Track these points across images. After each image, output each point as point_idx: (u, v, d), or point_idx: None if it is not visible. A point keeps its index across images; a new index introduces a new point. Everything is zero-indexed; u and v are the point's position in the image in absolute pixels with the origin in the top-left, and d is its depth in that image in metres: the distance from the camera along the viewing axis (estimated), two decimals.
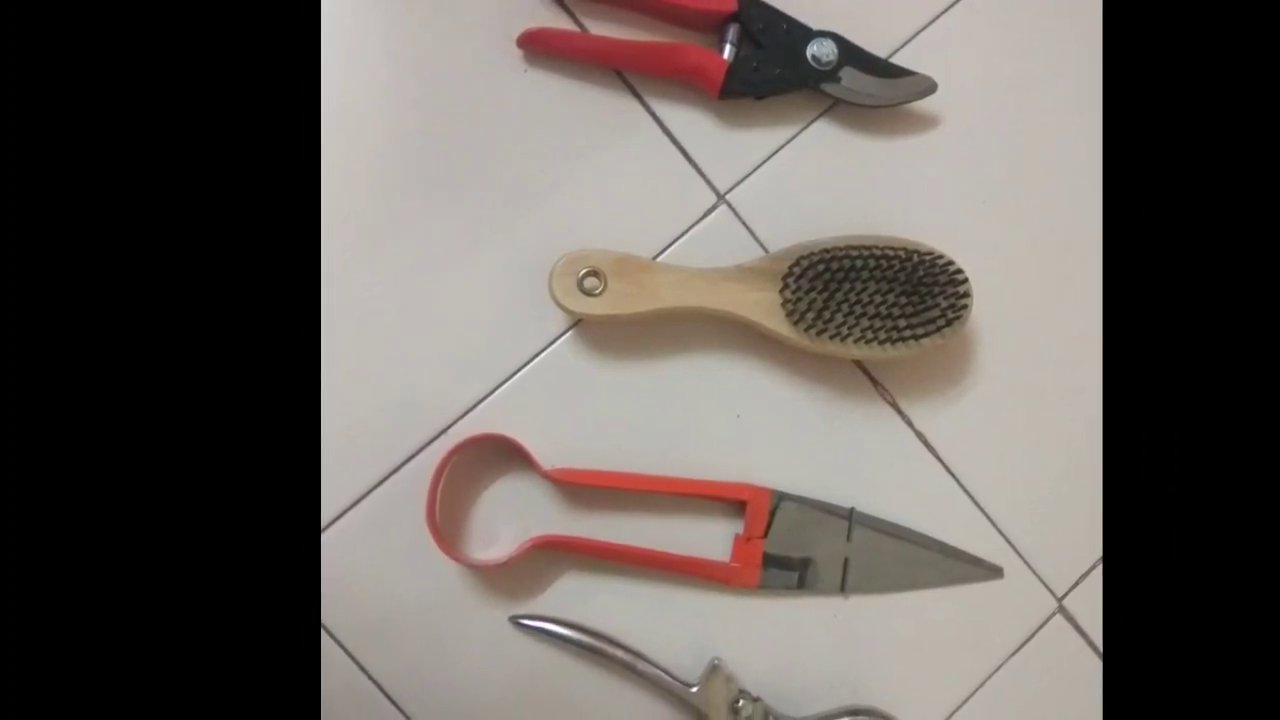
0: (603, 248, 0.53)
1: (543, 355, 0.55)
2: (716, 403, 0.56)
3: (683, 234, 0.56)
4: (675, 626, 0.54)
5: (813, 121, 0.58)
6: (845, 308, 0.52)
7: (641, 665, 0.52)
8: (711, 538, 0.55)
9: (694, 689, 0.52)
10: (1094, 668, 0.56)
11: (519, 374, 0.55)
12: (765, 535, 0.54)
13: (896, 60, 0.58)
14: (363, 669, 0.53)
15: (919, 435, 0.57)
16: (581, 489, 0.54)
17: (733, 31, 0.56)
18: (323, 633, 0.52)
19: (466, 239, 0.55)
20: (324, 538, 0.53)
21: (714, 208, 0.57)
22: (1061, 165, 0.59)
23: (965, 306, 0.53)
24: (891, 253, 0.52)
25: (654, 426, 0.55)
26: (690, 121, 0.57)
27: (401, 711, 0.53)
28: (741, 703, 0.52)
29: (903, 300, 0.52)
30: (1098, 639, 0.56)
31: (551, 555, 0.54)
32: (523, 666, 0.53)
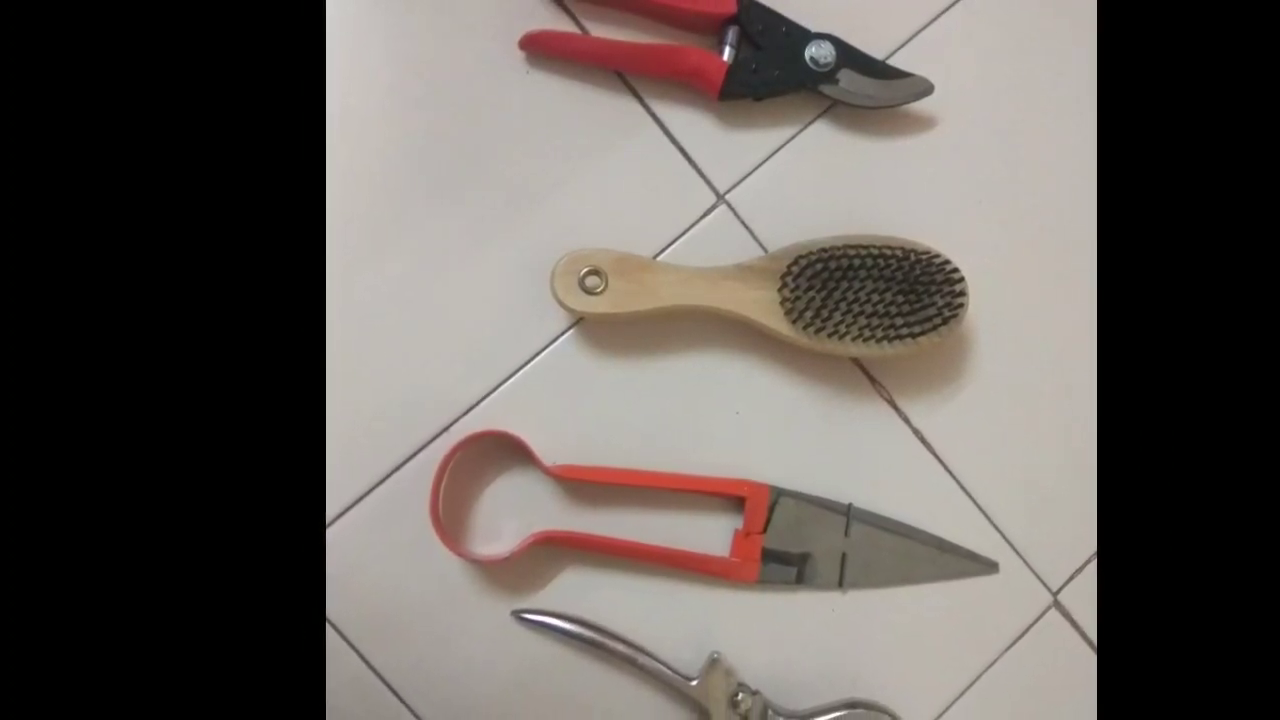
0: (604, 247, 0.53)
1: (545, 353, 0.55)
2: (716, 400, 0.56)
3: (683, 233, 0.56)
4: (675, 621, 0.54)
5: (811, 122, 0.58)
6: (843, 306, 0.52)
7: (642, 659, 0.52)
8: (711, 533, 0.55)
9: (694, 682, 0.52)
10: (1088, 661, 0.56)
11: (521, 371, 0.55)
12: (764, 531, 0.54)
13: (894, 62, 0.58)
14: (367, 663, 0.53)
15: (916, 432, 0.57)
16: (583, 485, 0.54)
17: (732, 33, 0.56)
18: (327, 627, 0.52)
19: (469, 238, 0.55)
20: (329, 533, 0.53)
21: (713, 207, 0.57)
22: (1056, 166, 0.59)
23: (961, 305, 0.53)
24: (889, 252, 0.53)
25: (654, 423, 0.55)
26: (690, 122, 0.57)
27: (405, 704, 0.53)
28: (741, 696, 0.52)
29: (900, 299, 0.53)
30: (1092, 633, 0.57)
31: (553, 550, 0.54)
32: (524, 660, 0.53)
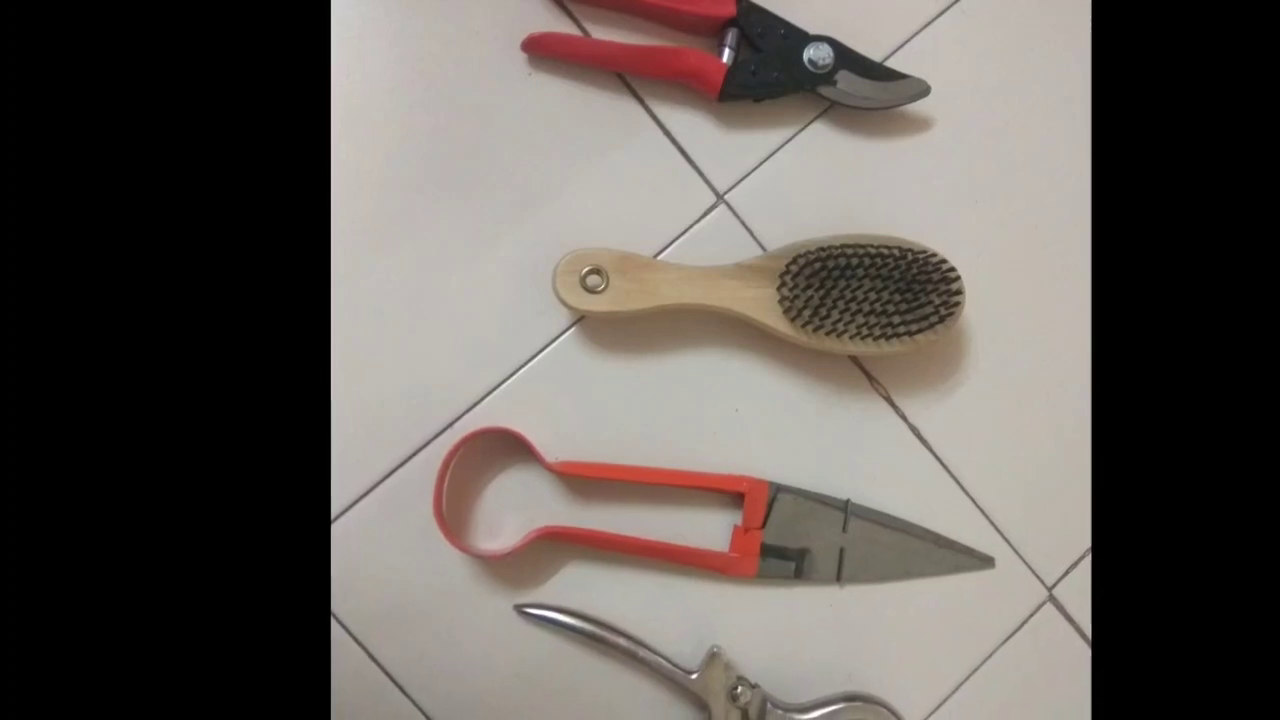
0: (605, 246, 0.54)
1: (547, 351, 0.55)
2: (715, 397, 0.56)
3: (683, 233, 0.57)
4: (675, 615, 0.55)
5: (809, 123, 0.58)
6: (841, 304, 0.53)
7: (642, 653, 0.53)
8: (711, 528, 0.55)
9: (694, 676, 0.52)
10: (1083, 655, 0.57)
11: (524, 369, 0.55)
12: (763, 526, 0.54)
13: (891, 64, 0.58)
14: (371, 656, 0.53)
15: (913, 429, 0.57)
16: (584, 481, 0.55)
17: (731, 36, 0.56)
18: (332, 621, 0.53)
19: (472, 238, 0.55)
20: (334, 528, 0.53)
21: (713, 207, 0.57)
22: (1051, 165, 0.59)
23: (958, 303, 0.53)
24: (886, 251, 0.53)
25: (655, 420, 0.56)
26: (690, 123, 0.57)
27: (409, 697, 0.53)
28: (740, 689, 0.52)
29: (897, 297, 0.53)
30: (1086, 627, 0.57)
31: (555, 545, 0.54)
32: (527, 654, 0.54)
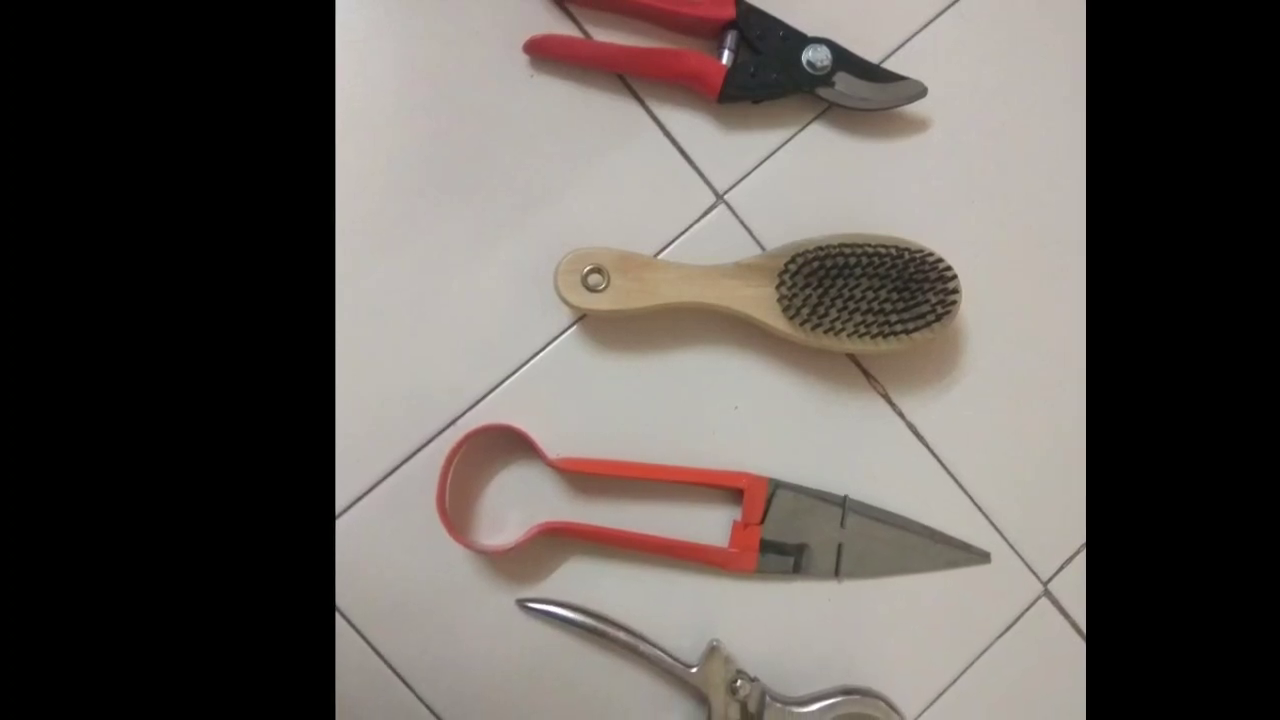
0: (606, 245, 0.54)
1: (548, 349, 0.56)
2: (715, 395, 0.56)
3: (683, 232, 0.57)
4: (676, 609, 0.55)
5: (808, 124, 0.59)
6: (839, 303, 0.53)
7: (643, 646, 0.53)
8: (710, 524, 0.56)
9: (694, 669, 0.53)
10: (1078, 649, 0.57)
11: (526, 367, 0.55)
12: (762, 522, 0.55)
13: (888, 66, 0.59)
14: (375, 650, 0.53)
15: (910, 426, 0.57)
16: (586, 477, 0.55)
17: (731, 38, 0.56)
18: (337, 616, 0.53)
19: (475, 238, 0.56)
20: (338, 524, 0.54)
21: (713, 207, 0.57)
22: (1046, 166, 0.59)
23: (954, 302, 0.53)
24: (883, 250, 0.53)
25: (655, 417, 0.56)
26: (690, 124, 0.58)
27: (412, 690, 0.53)
28: (739, 683, 0.52)
29: (894, 296, 0.53)
30: (1081, 621, 0.57)
31: (557, 541, 0.54)
32: (529, 648, 0.54)
